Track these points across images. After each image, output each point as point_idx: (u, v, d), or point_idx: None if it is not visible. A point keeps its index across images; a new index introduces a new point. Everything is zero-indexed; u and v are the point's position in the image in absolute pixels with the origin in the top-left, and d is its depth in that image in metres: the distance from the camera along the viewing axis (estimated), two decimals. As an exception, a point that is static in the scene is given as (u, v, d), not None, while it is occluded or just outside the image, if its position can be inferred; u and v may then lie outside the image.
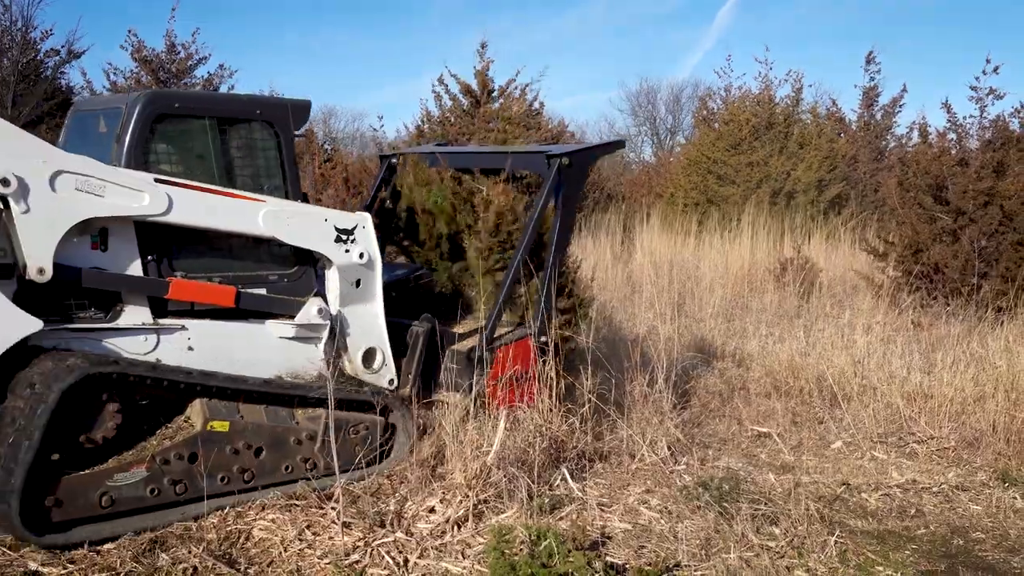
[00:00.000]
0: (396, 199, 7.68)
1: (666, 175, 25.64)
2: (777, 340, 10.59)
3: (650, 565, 4.77)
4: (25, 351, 4.85)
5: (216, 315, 5.65)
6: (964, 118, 14.30)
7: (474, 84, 20.90)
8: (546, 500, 5.55)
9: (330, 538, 5.00)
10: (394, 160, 7.88)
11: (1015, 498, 6.42)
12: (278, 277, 5.97)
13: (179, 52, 18.81)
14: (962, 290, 11.80)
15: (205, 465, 5.17)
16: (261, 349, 5.78)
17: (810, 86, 34.87)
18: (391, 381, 6.28)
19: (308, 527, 5.11)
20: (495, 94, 21.11)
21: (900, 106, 24.67)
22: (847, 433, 7.77)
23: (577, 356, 7.17)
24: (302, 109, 6.23)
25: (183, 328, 5.49)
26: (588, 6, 77.44)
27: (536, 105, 21.79)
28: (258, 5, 74.76)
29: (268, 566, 4.74)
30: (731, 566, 4.91)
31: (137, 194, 5.20)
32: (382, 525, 5.12)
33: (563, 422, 6.40)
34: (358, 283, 6.14)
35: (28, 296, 4.90)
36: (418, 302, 6.98)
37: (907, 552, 5.45)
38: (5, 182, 4.75)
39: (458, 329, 6.82)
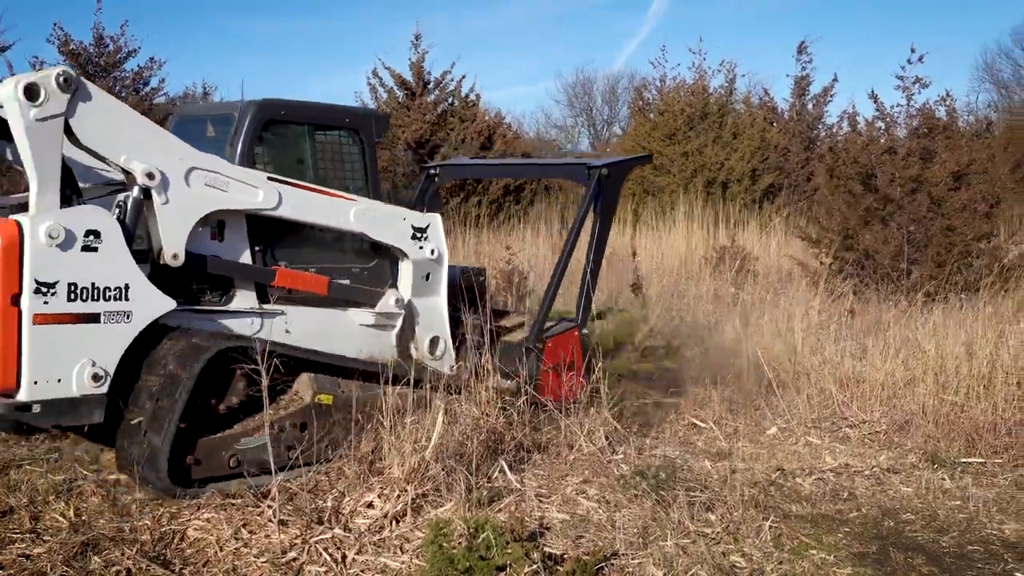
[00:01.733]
0: (435, 206, 8.05)
1: (603, 166, 25.73)
2: (713, 328, 10.70)
3: (588, 555, 4.79)
4: (154, 329, 5.39)
5: (307, 302, 6.31)
6: (892, 107, 14.55)
7: (409, 76, 20.81)
8: (484, 492, 5.55)
9: (267, 536, 4.95)
10: (433, 171, 8.39)
11: (944, 479, 6.57)
12: (360, 269, 6.70)
13: (107, 45, 18.42)
14: (893, 276, 12.03)
15: (314, 433, 5.75)
16: (344, 334, 6.47)
17: (743, 76, 35.33)
18: (451, 367, 6.93)
19: (244, 526, 5.06)
20: (431, 86, 21.04)
21: (831, 95, 25.01)
22: (782, 419, 7.89)
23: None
24: (383, 119, 7.18)
25: (282, 313, 6.19)
26: (523, -3, 77.41)
27: (472, 97, 21.77)
28: (189, -3, 73.52)
29: (204, 566, 4.68)
30: (668, 553, 4.95)
31: (253, 190, 5.88)
32: (319, 522, 5.08)
33: (501, 414, 6.41)
34: (428, 277, 6.86)
35: (158, 280, 5.42)
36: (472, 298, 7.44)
37: (840, 535, 5.54)
38: (151, 176, 5.35)
39: (507, 323, 7.68)
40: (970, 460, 6.94)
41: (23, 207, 5.15)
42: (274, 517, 5.02)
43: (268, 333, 6.03)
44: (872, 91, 14.83)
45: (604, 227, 7.63)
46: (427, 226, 6.78)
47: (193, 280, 5.77)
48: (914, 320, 9.53)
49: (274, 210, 5.98)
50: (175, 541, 4.90)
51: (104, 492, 5.45)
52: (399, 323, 6.67)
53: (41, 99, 4.92)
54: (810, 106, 25.17)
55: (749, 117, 23.91)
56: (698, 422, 7.80)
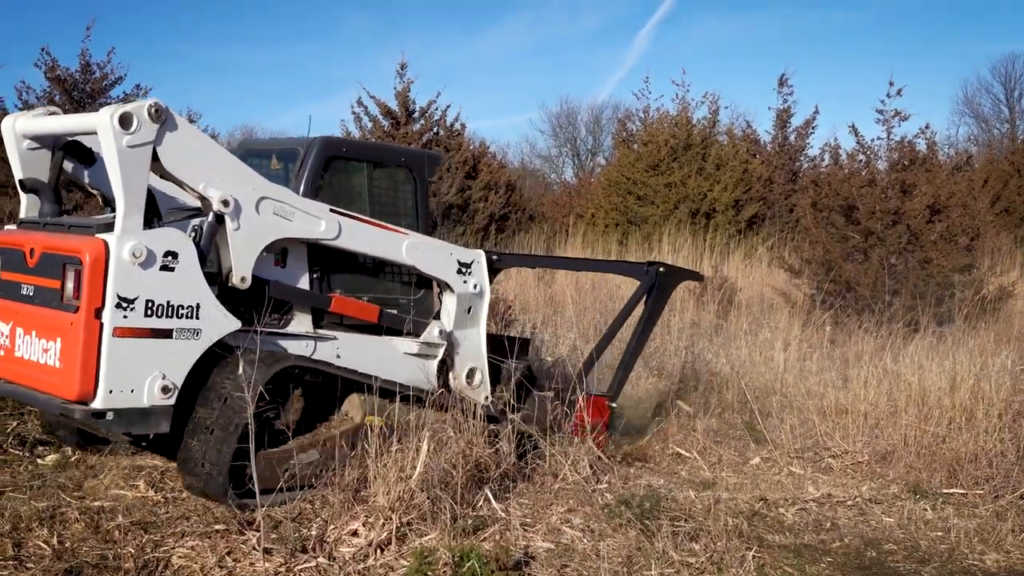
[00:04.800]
0: None
1: (587, 196, 25.87)
2: (696, 358, 10.74)
3: (573, 584, 4.80)
4: (218, 347, 5.63)
5: (357, 328, 6.58)
6: (872, 140, 14.69)
7: (395, 105, 20.87)
8: (469, 521, 5.55)
9: (251, 564, 4.92)
10: (495, 257, 8.05)
11: (926, 510, 6.60)
12: (407, 300, 6.93)
13: (94, 72, 18.45)
14: (874, 307, 12.12)
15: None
16: (389, 360, 6.65)
17: (726, 108, 35.53)
18: (487, 398, 7.06)
19: (228, 553, 5.03)
20: (416, 115, 21.10)
21: (813, 127, 25.24)
22: (765, 449, 7.92)
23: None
24: (435, 159, 7.53)
25: (334, 338, 6.41)
26: (507, 27, 77.98)
27: (457, 126, 21.85)
28: (173, 22, 73.75)
29: (187, 594, 4.66)
30: (653, 583, 4.96)
31: (317, 220, 6.13)
32: (304, 550, 5.06)
33: (486, 444, 6.41)
34: (469, 310, 7.05)
35: (224, 301, 5.66)
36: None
37: (823, 565, 5.56)
38: (226, 203, 5.62)
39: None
40: (952, 491, 6.98)
41: (108, 227, 5.35)
42: (258, 545, 5.00)
43: (320, 356, 6.29)
44: (852, 125, 14.90)
45: (651, 320, 8.04)
46: (472, 261, 7.01)
47: (255, 303, 5.95)
48: (894, 351, 9.59)
49: (334, 240, 6.23)
50: (159, 569, 4.87)
51: (88, 519, 5.42)
52: (440, 352, 6.86)
53: (133, 127, 5.22)
54: (792, 138, 25.38)
55: (732, 148, 24.07)
56: (682, 451, 7.82)
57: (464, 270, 6.97)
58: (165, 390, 5.35)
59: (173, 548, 5.08)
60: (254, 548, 5.02)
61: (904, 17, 69.44)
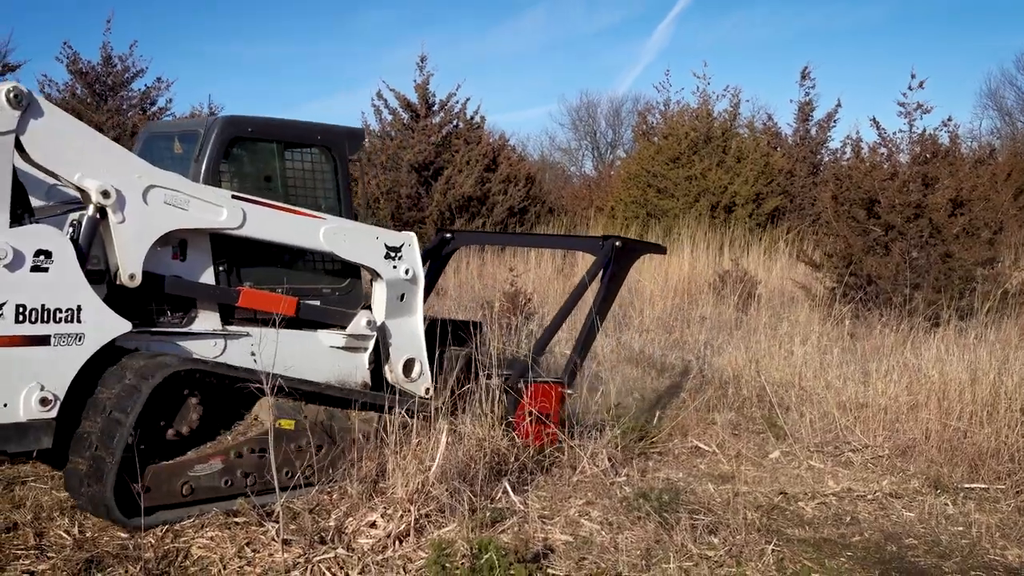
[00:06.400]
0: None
1: (607, 189, 25.86)
2: (716, 352, 10.71)
3: (591, 577, 4.80)
4: (110, 351, 5.20)
5: (274, 323, 6.00)
6: (894, 133, 14.60)
7: (414, 98, 20.89)
8: (488, 513, 5.56)
9: (270, 555, 4.95)
10: (448, 235, 8.22)
11: (947, 504, 6.56)
12: (331, 290, 6.50)
13: (115, 65, 18.58)
14: (895, 301, 12.05)
15: (274, 459, 5.39)
16: (313, 356, 6.25)
17: (747, 101, 35.37)
18: (427, 390, 6.68)
19: (248, 544, 5.06)
20: (435, 108, 21.13)
21: (835, 121, 25.13)
22: (785, 443, 7.89)
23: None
24: (357, 136, 6.93)
25: (247, 335, 5.96)
26: (527, 20, 77.87)
27: (477, 119, 21.87)
28: (194, 17, 74.03)
29: (207, 585, 4.70)
30: (671, 576, 4.96)
31: (217, 208, 5.68)
32: (322, 541, 5.09)
33: (505, 435, 6.42)
34: (402, 297, 6.63)
35: (115, 300, 5.28)
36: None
37: (842, 559, 5.54)
38: (106, 194, 5.19)
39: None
40: (973, 486, 6.93)
41: None
42: (277, 536, 5.02)
43: (232, 355, 5.84)
44: (874, 118, 14.82)
45: (607, 298, 7.53)
46: (401, 245, 6.55)
47: (152, 301, 5.61)
48: (915, 345, 9.53)
49: (238, 229, 5.79)
50: (179, 559, 4.91)
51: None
52: (371, 344, 6.48)
53: None
54: (814, 131, 25.26)
55: (753, 142, 23.98)
56: (701, 445, 7.80)
57: (393, 255, 6.49)
58: (44, 402, 4.90)
59: (193, 539, 5.12)
60: (273, 539, 5.04)
61: (927, 9, 68.94)
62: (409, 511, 5.29)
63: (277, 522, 5.10)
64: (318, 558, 4.90)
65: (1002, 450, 7.31)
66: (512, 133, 59.40)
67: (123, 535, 5.09)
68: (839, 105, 25.49)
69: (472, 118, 21.72)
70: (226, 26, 76.16)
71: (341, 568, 4.86)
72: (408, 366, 6.67)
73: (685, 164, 22.88)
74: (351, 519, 5.41)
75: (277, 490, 5.25)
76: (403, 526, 5.22)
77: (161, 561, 4.85)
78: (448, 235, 8.18)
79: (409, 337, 6.69)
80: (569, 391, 7.18)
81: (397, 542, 5.15)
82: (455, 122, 21.42)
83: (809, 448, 7.77)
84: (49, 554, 4.86)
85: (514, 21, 79.26)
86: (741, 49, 71.68)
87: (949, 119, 14.37)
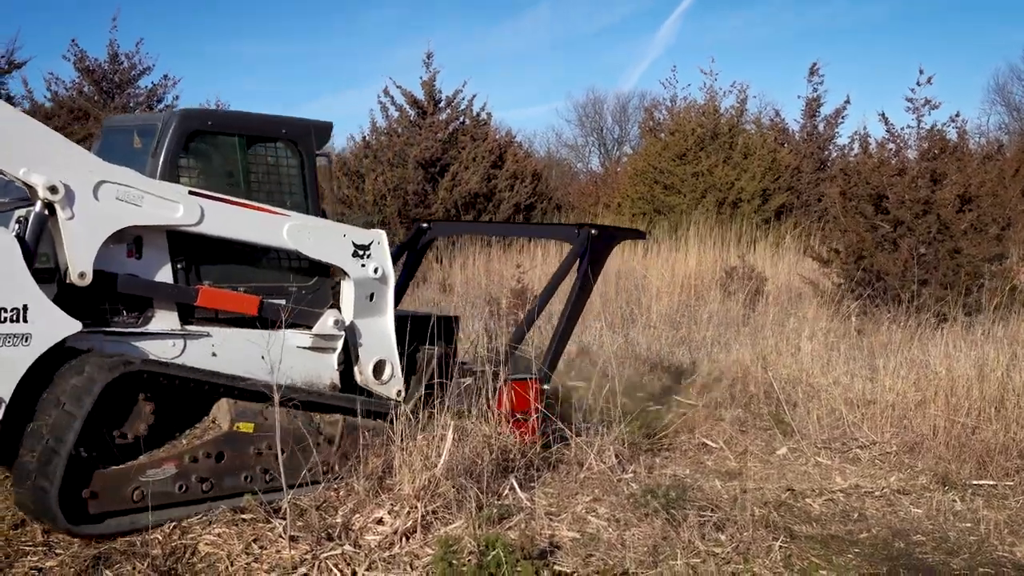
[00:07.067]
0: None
1: (613, 185, 25.80)
2: (723, 348, 10.70)
3: (598, 573, 4.79)
4: (61, 352, 5.02)
5: (238, 323, 5.92)
6: (902, 128, 14.54)
7: (420, 95, 20.88)
8: (494, 510, 5.55)
9: (277, 552, 4.96)
10: (424, 225, 8.13)
11: (955, 501, 6.55)
12: (297, 289, 6.26)
13: (122, 62, 18.62)
14: (903, 296, 12.01)
15: (231, 464, 5.39)
16: (278, 357, 5.93)
17: (754, 97, 35.35)
18: (399, 392, 6.54)
19: (255, 541, 5.07)
20: (442, 104, 21.11)
21: (843, 117, 25.01)
22: (792, 440, 7.87)
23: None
24: (324, 129, 6.60)
25: (208, 335, 5.78)
26: (532, 17, 77.74)
27: (483, 115, 21.84)
28: (199, 15, 74.12)
29: (214, 581, 4.70)
30: (678, 573, 4.95)
31: (172, 205, 5.50)
32: (329, 538, 5.09)
33: (512, 432, 6.41)
34: (372, 297, 6.44)
35: (66, 300, 5.10)
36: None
37: (850, 556, 5.53)
38: (53, 189, 5.00)
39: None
40: (981, 482, 6.92)
41: None
42: (285, 533, 5.03)
43: (191, 356, 5.66)
44: (882, 113, 14.73)
45: (584, 287, 7.23)
46: (370, 243, 6.37)
47: (105, 300, 5.42)
48: (923, 341, 9.51)
49: (196, 226, 5.59)
50: (186, 555, 4.92)
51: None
52: (339, 345, 6.28)
53: None
54: (821, 127, 25.18)
55: (760, 138, 23.91)
56: (708, 441, 7.79)
57: (361, 253, 6.29)
58: None
59: (200, 535, 5.13)
60: (280, 536, 5.05)
61: (935, 5, 68.72)
62: (416, 508, 5.29)
63: (284, 519, 5.11)
64: (325, 554, 4.90)
65: (1010, 446, 7.30)
66: (519, 130, 59.60)
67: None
68: (848, 101, 25.43)
69: (478, 115, 21.69)
70: (229, 25, 76.19)
71: (348, 564, 4.86)
72: (378, 368, 6.49)
73: (692, 160, 22.83)
74: (358, 516, 5.42)
75: (284, 487, 5.26)
76: (410, 523, 5.22)
77: (169, 558, 4.86)
78: (425, 225, 8.08)
79: (379, 338, 6.50)
80: (546, 386, 7.00)
81: (404, 539, 5.15)
82: (461, 119, 21.39)
83: (816, 444, 7.76)
84: (57, 551, 4.88)
85: (519, 18, 79.19)
86: (748, 45, 71.56)
87: (957, 115, 14.29)
